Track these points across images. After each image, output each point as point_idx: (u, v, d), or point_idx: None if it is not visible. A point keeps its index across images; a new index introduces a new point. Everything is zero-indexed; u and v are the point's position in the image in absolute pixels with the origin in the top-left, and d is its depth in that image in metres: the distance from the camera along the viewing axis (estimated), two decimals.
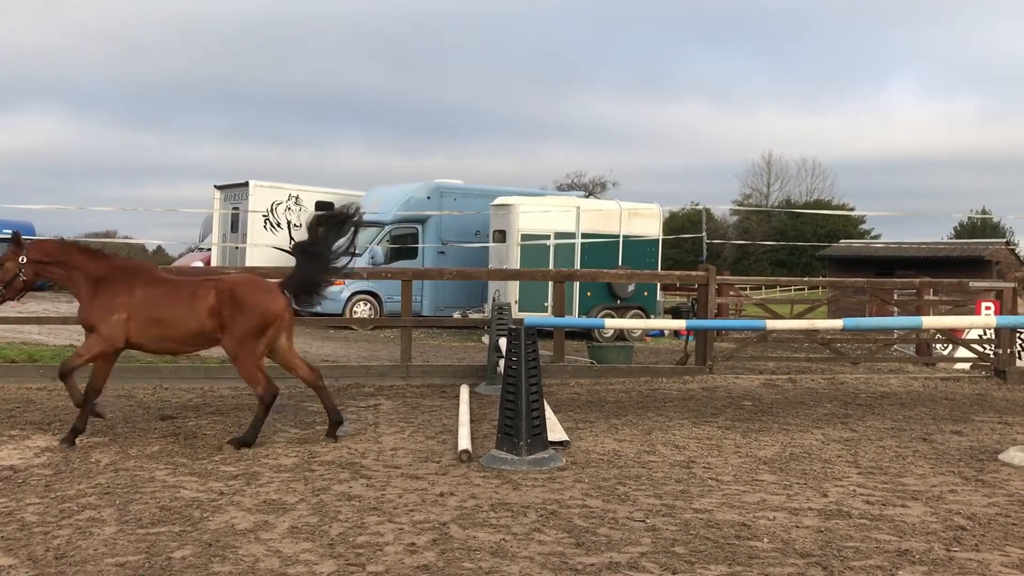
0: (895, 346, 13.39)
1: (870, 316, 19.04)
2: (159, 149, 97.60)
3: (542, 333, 9.25)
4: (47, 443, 6.92)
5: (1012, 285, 11.22)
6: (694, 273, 11.43)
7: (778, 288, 49.84)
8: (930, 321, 6.49)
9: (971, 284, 11.73)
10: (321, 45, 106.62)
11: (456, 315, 18.54)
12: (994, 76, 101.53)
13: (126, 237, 60.52)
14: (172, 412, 8.33)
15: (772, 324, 6.77)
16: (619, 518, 5.01)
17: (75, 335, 14.48)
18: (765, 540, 4.64)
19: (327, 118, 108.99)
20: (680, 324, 7.03)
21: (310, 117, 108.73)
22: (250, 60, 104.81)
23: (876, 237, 61.93)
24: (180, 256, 34.42)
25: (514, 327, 6.45)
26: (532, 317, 8.25)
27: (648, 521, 4.95)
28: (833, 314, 19.66)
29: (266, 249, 21.40)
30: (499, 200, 18.85)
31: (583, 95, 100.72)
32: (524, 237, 18.08)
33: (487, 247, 19.23)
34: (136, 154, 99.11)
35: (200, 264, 24.16)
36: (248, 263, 20.78)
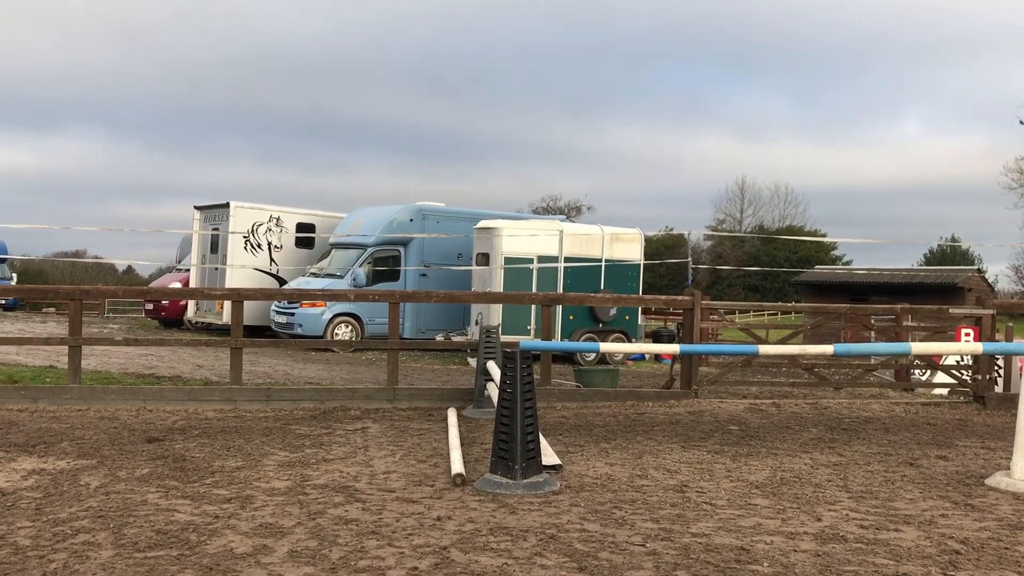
0: (874, 372, 13.54)
1: (846, 342, 19.25)
2: (183, 171, 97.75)
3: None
4: (34, 465, 6.83)
5: (991, 312, 11.40)
6: (680, 298, 11.52)
7: (752, 313, 50.26)
8: (918, 347, 6.59)
9: (951, 311, 11.91)
10: (345, 73, 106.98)
11: (439, 337, 18.54)
12: (963, 114, 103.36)
13: (96, 257, 60.05)
14: (158, 434, 8.24)
15: (765, 349, 6.84)
16: (619, 542, 5.02)
17: (54, 355, 14.32)
18: (765, 564, 4.67)
19: (351, 142, 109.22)
20: (674, 349, 7.07)
21: (335, 142, 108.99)
22: (282, 87, 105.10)
23: (848, 263, 62.76)
24: (154, 276, 34.15)
25: (509, 351, 6.46)
26: (527, 341, 8.25)
27: (648, 545, 4.97)
28: (808, 339, 19.85)
29: (247, 270, 21.32)
30: (483, 223, 18.92)
31: (553, 119, 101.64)
32: (508, 260, 18.14)
33: (469, 270, 19.27)
34: (158, 175, 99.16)
35: (178, 285, 23.99)
36: (228, 284, 20.68)
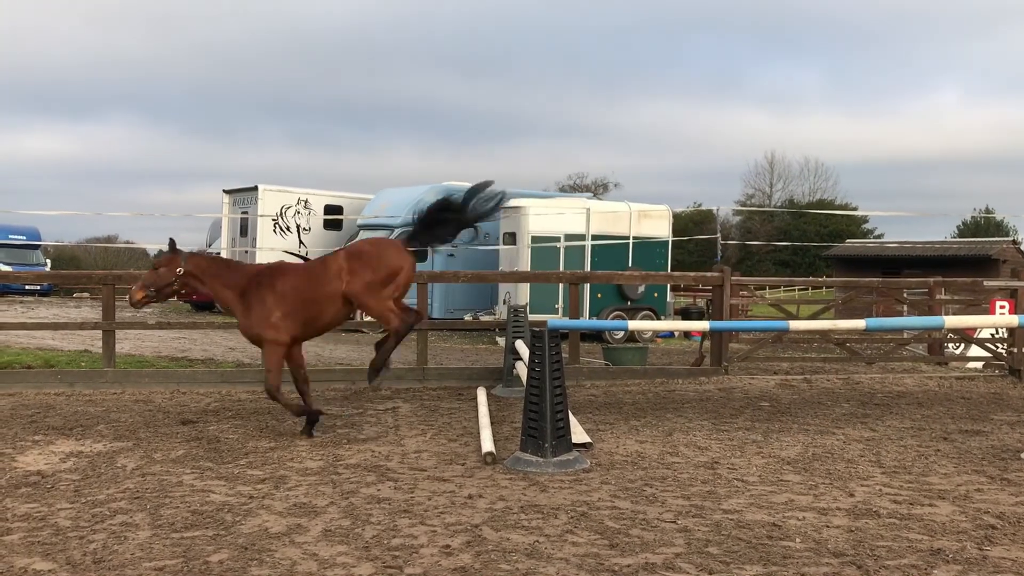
0: (908, 345, 13.39)
1: (878, 316, 19.03)
2: (215, 156, 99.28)
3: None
4: (71, 448, 6.96)
5: None
6: (709, 274, 11.44)
7: (782, 289, 49.88)
8: (952, 321, 6.51)
9: (985, 283, 11.73)
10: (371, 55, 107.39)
11: (467, 317, 18.56)
12: (999, 84, 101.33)
13: (128, 242, 60.76)
14: (192, 416, 8.36)
15: (795, 325, 6.78)
16: (650, 519, 5.03)
17: (89, 340, 14.54)
18: (797, 540, 4.66)
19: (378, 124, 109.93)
20: (703, 326, 7.02)
21: (365, 124, 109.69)
22: (311, 70, 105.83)
23: (879, 237, 61.99)
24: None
25: (537, 330, 6.46)
26: (555, 320, 8.25)
27: (679, 522, 4.97)
28: (840, 314, 19.66)
29: (276, 253, 21.46)
30: (509, 202, 18.86)
31: (580, 96, 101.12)
32: (534, 239, 18.10)
33: (496, 249, 19.25)
34: (190, 161, 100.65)
35: None
36: None
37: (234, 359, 13.28)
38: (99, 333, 10.85)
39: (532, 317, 11.69)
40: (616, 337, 17.32)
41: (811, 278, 28.73)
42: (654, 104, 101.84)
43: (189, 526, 4.89)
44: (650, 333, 18.45)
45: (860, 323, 6.60)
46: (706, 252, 59.95)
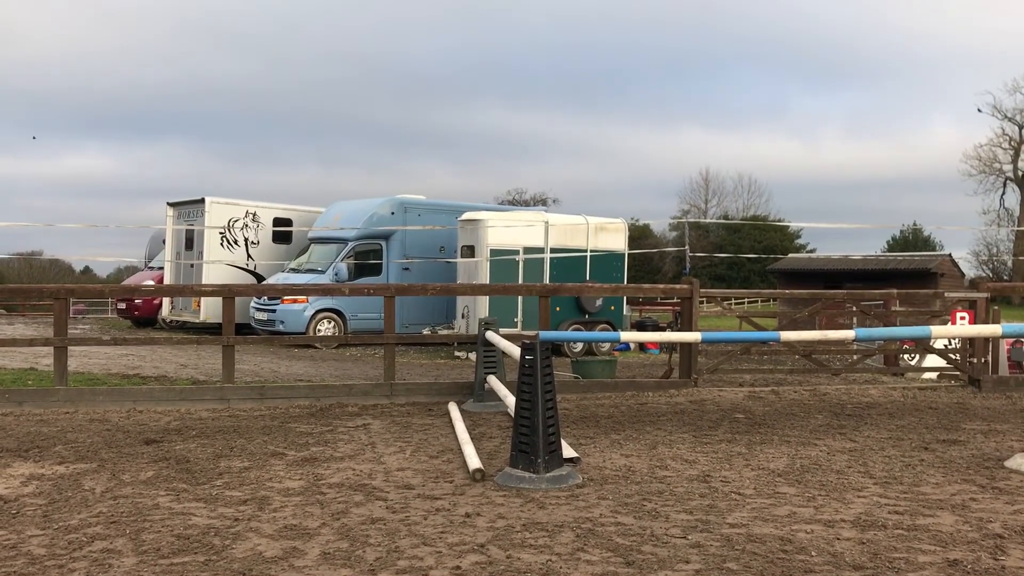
0: (870, 357, 13.56)
1: (821, 328, 19.27)
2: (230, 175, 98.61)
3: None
4: (31, 471, 6.56)
5: (985, 295, 11.43)
6: (678, 286, 11.42)
7: (747, 302, 50.70)
8: (938, 331, 6.56)
9: (947, 295, 11.94)
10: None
11: (425, 331, 18.31)
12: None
13: (42, 254, 59.01)
14: (155, 436, 7.99)
15: (786, 336, 6.74)
16: (658, 535, 4.89)
17: (33, 357, 13.92)
18: (813, 553, 4.56)
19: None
20: (695, 337, 6.95)
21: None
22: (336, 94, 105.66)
23: (812, 251, 63.46)
24: (112, 276, 33.44)
25: (528, 342, 6.30)
26: (547, 332, 8.10)
27: (689, 537, 4.84)
28: (783, 326, 19.86)
29: (223, 266, 20.95)
30: (467, 215, 18.71)
31: (509, 106, 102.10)
32: (493, 252, 17.95)
33: (452, 262, 19.06)
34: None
35: (151, 283, 23.51)
36: (204, 280, 20.30)
37: (187, 376, 12.85)
38: (42, 350, 10.37)
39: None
40: (576, 350, 17.25)
41: (776, 290, 29.23)
42: (584, 119, 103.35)
43: (177, 551, 4.60)
44: (607, 346, 18.43)
45: (849, 333, 6.59)
46: (642, 267, 60.61)
